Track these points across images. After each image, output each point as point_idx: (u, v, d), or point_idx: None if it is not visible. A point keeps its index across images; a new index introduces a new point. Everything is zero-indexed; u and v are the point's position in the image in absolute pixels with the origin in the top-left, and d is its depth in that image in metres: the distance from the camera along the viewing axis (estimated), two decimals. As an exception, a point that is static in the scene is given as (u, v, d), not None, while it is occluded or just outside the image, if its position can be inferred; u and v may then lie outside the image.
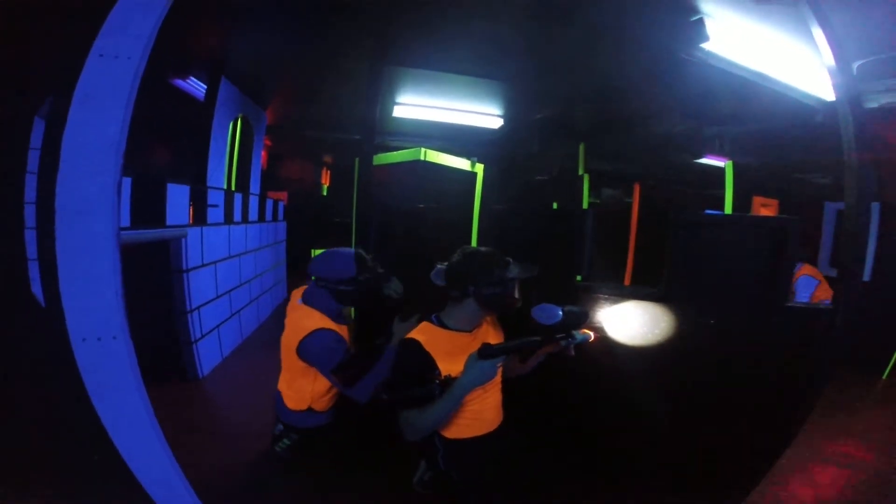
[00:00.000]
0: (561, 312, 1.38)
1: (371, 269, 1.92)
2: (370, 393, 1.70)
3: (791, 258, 2.11)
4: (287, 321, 1.92)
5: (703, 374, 2.10)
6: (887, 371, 3.57)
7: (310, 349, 1.76)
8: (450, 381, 1.38)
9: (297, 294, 1.98)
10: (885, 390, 3.36)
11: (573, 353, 1.47)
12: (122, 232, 1.20)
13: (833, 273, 4.11)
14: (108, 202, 1.14)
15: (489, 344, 1.32)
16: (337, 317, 1.89)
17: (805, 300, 3.33)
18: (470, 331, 1.52)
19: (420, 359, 1.40)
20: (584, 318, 1.45)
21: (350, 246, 2.13)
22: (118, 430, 1.23)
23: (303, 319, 1.83)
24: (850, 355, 3.21)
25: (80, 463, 1.69)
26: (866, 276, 4.13)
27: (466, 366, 1.34)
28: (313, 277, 1.90)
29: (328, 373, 1.74)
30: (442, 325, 1.50)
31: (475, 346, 1.41)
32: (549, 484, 1.66)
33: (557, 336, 1.43)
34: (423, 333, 1.47)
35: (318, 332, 1.76)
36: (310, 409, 1.90)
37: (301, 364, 1.81)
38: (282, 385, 1.96)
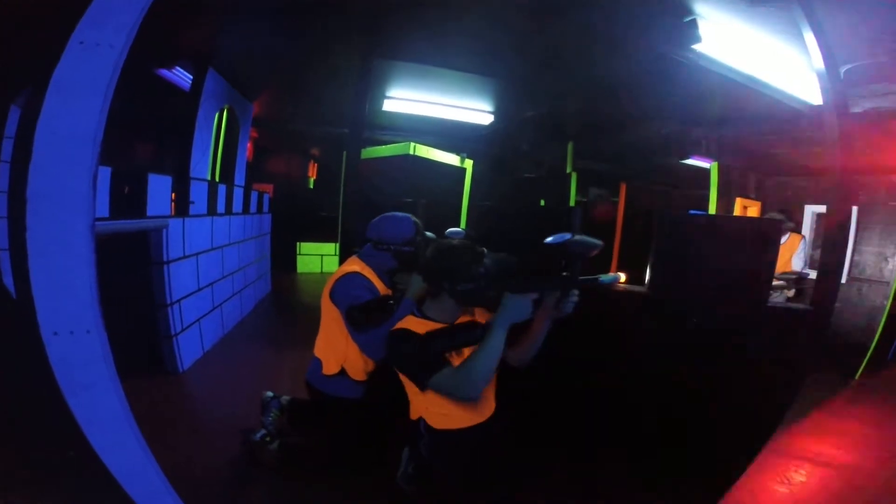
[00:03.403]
0: (570, 235, 1.39)
1: (423, 233, 1.93)
2: (381, 350, 1.62)
3: (772, 258, 2.15)
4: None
5: (681, 372, 2.13)
6: (860, 371, 3.66)
7: (337, 289, 1.75)
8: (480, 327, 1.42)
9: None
10: (859, 389, 3.45)
11: (571, 310, 1.44)
12: (99, 223, 1.16)
13: (811, 274, 4.21)
14: (82, 192, 1.10)
15: (520, 278, 1.35)
16: (384, 275, 1.88)
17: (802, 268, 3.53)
18: (453, 323, 1.51)
19: (418, 336, 1.39)
20: (593, 247, 1.43)
21: (336, 239, 2.11)
22: (92, 427, 1.19)
23: (343, 266, 1.85)
24: (826, 355, 3.29)
25: (54, 460, 1.65)
26: (843, 278, 4.24)
27: (503, 302, 1.34)
28: (371, 241, 1.88)
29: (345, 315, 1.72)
30: (425, 317, 1.49)
31: None
32: (530, 480, 1.66)
33: (584, 278, 1.41)
34: (410, 325, 1.46)
35: (350, 274, 1.77)
36: (343, 373, 1.83)
37: (335, 313, 1.78)
38: (317, 348, 1.91)
